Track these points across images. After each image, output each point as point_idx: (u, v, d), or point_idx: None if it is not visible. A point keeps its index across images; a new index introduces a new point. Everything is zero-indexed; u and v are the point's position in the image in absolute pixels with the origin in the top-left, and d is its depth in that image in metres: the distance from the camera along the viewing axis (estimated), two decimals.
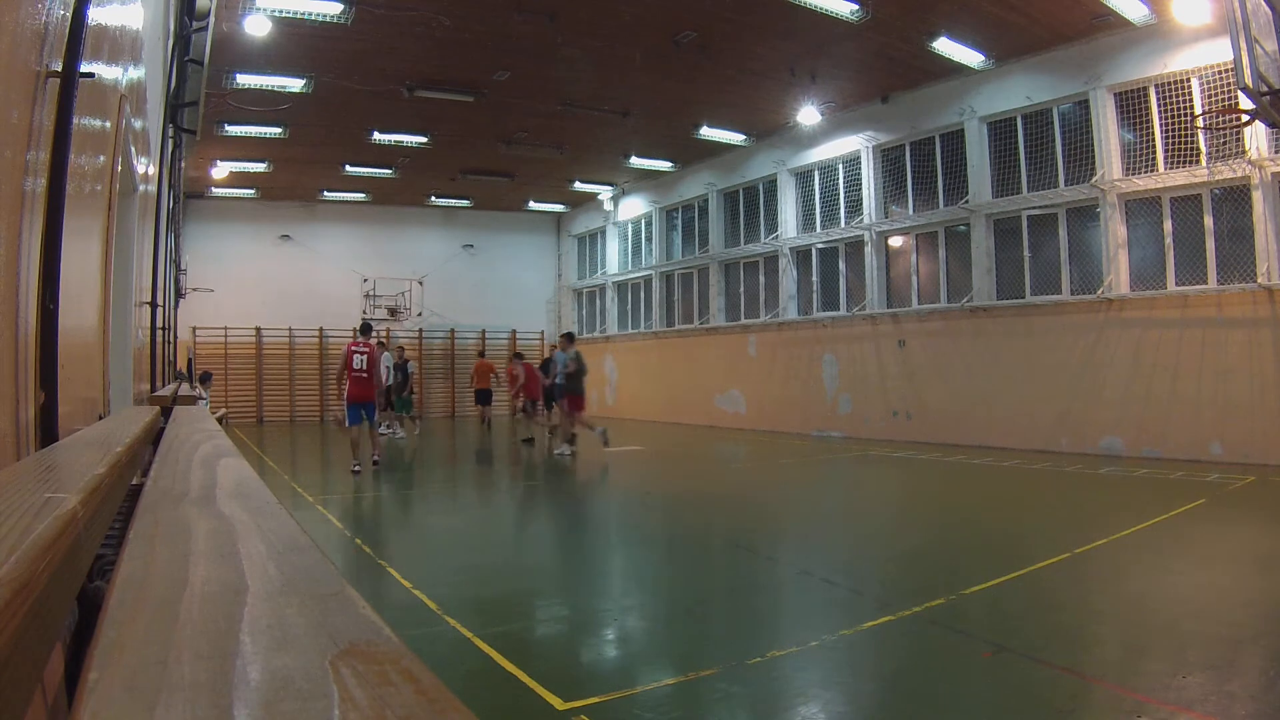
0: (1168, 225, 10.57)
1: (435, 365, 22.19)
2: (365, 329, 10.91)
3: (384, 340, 16.75)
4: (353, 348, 10.25)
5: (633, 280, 21.12)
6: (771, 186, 16.57)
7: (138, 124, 4.38)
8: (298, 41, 10.72)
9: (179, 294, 15.36)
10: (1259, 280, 9.46)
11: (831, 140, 15.02)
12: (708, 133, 15.84)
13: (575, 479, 10.66)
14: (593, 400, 22.32)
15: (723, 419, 17.39)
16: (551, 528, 7.53)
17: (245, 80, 11.93)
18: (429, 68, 12.05)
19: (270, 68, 11.60)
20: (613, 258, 21.75)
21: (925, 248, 13.89)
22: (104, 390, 3.15)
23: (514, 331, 23.18)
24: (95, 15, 2.11)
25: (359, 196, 20.52)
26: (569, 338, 12.80)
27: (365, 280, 21.31)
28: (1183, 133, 10.26)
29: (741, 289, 17.47)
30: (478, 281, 22.78)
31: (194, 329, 18.94)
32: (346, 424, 10.31)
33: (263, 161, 16.76)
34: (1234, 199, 9.95)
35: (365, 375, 10.13)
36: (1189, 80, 10.16)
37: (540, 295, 23.97)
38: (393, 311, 21.56)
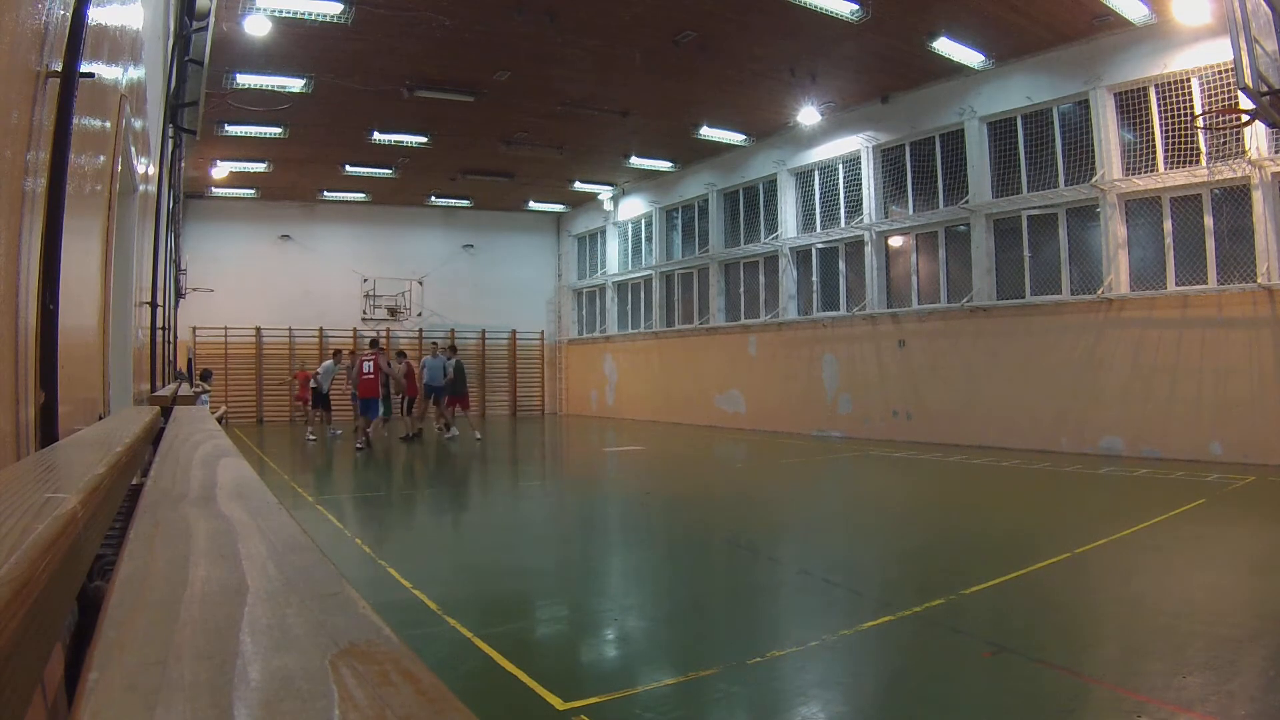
0: (1168, 225, 10.57)
1: None
2: (373, 343, 14.51)
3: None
4: (363, 358, 13.74)
5: (633, 280, 21.12)
6: (771, 186, 16.57)
7: (138, 124, 4.38)
8: (298, 41, 10.72)
9: (179, 294, 15.37)
10: (1259, 280, 9.46)
11: (831, 140, 15.02)
12: (708, 133, 15.84)
13: (574, 480, 10.66)
14: (592, 400, 22.42)
15: (723, 419, 17.39)
16: (552, 527, 7.53)
17: (245, 80, 11.92)
18: (429, 68, 12.05)
19: (270, 68, 11.60)
20: (613, 258, 21.75)
21: (925, 248, 13.89)
22: (104, 390, 3.15)
23: (514, 332, 23.20)
24: (95, 15, 2.11)
25: (359, 196, 20.51)
26: (440, 347, 15.91)
27: (365, 280, 21.31)
28: (1183, 133, 10.26)
29: (741, 289, 17.47)
30: (478, 281, 22.78)
31: (194, 329, 18.94)
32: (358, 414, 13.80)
33: (263, 161, 16.76)
34: (1234, 199, 9.95)
35: (372, 377, 13.42)
36: (1189, 80, 10.16)
37: (540, 295, 23.97)
38: (393, 311, 21.55)
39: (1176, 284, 10.46)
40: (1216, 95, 9.80)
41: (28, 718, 0.54)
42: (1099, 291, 11.01)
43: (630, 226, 21.23)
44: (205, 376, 14.75)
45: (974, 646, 3.74)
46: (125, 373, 4.36)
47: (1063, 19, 10.52)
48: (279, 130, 14.39)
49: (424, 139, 15.57)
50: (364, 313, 21.30)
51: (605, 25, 10.72)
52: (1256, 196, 9.61)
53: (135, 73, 3.96)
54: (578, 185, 20.35)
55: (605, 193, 21.00)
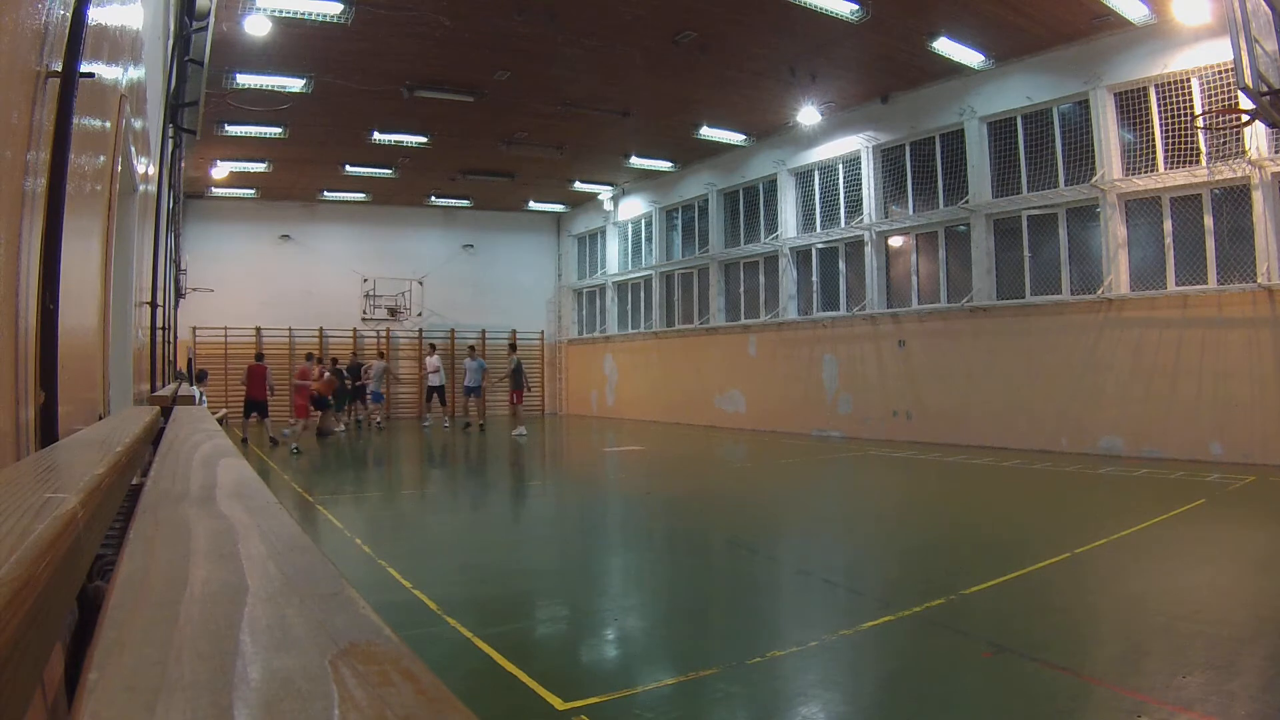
0: (1168, 225, 10.56)
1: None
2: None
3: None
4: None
5: (633, 280, 21.12)
6: (771, 186, 16.56)
7: (138, 124, 4.38)
8: (298, 41, 10.72)
9: (179, 294, 15.36)
10: (1259, 280, 9.46)
11: (831, 140, 15.02)
12: (708, 133, 15.84)
13: (575, 480, 10.65)
14: (592, 400, 22.43)
15: (723, 419, 17.39)
16: (552, 527, 7.53)
17: (245, 80, 11.92)
18: (429, 68, 12.05)
19: (270, 68, 11.60)
20: (613, 258, 21.75)
21: (925, 248, 13.89)
22: (104, 390, 3.15)
23: (514, 331, 23.19)
24: (95, 15, 2.11)
25: (359, 196, 20.51)
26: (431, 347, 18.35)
27: (365, 280, 21.31)
28: (1183, 133, 10.26)
29: (741, 289, 17.47)
30: (478, 281, 22.78)
31: (194, 329, 18.93)
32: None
33: (263, 161, 16.76)
34: (1234, 199, 9.95)
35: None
36: (1189, 80, 10.16)
37: (540, 295, 23.97)
38: (393, 311, 21.55)
39: (1176, 284, 10.46)
40: (1216, 95, 9.79)
41: (28, 718, 0.54)
42: (1099, 291, 11.00)
43: (630, 226, 21.22)
44: (201, 378, 14.57)
45: (974, 646, 3.74)
46: (125, 373, 4.36)
47: (1063, 19, 10.51)
48: (279, 130, 14.39)
49: (424, 139, 15.57)
50: (364, 313, 21.30)
51: (605, 25, 10.72)
52: (1256, 196, 9.60)
53: (135, 73, 3.96)
54: (578, 185, 20.34)
55: (605, 193, 21.00)
